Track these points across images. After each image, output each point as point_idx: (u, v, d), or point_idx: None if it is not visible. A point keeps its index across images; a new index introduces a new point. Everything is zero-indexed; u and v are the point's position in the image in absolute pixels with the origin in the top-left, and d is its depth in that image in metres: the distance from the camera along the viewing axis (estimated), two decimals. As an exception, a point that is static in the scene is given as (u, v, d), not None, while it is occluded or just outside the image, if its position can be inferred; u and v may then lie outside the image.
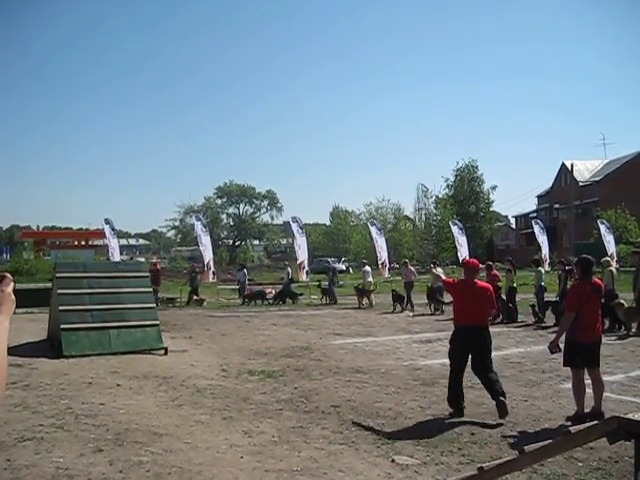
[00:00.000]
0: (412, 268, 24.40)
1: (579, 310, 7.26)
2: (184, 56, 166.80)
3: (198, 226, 29.85)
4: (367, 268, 25.39)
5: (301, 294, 25.79)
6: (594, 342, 7.34)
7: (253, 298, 25.00)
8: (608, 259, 17.20)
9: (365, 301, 23.27)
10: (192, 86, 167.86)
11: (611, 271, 15.78)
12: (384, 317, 19.51)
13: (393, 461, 5.76)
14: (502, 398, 7.34)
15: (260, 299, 25.17)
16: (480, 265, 8.67)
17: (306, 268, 29.49)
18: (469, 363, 7.70)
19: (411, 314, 20.21)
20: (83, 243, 58.74)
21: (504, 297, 17.71)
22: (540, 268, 18.93)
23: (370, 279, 24.70)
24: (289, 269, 26.93)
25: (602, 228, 33.03)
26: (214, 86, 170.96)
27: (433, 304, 20.20)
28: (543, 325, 16.38)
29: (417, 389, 8.94)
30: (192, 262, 35.93)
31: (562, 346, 7.43)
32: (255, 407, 7.84)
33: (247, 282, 28.20)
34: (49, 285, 15.70)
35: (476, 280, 8.09)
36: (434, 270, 19.69)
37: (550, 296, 17.87)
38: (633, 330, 14.51)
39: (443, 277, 12.58)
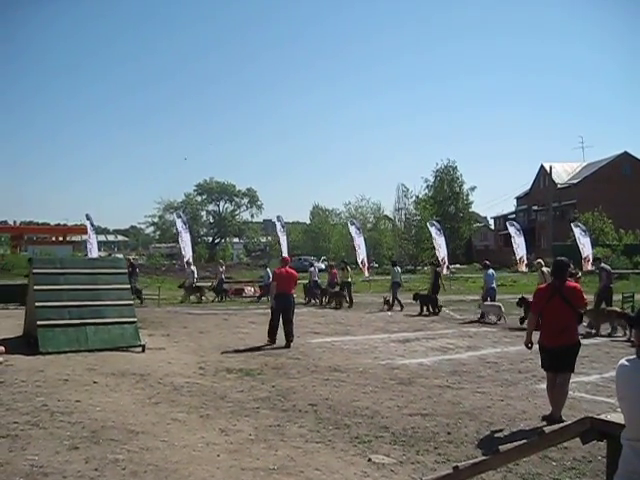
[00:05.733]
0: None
1: (541, 312, 7.31)
2: (166, 55, 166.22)
3: (179, 223, 29.82)
4: (193, 268, 27.16)
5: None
6: (558, 347, 7.12)
7: None
8: (540, 261, 18.15)
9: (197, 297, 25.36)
10: (175, 85, 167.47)
11: (542, 272, 16.38)
12: (363, 317, 19.55)
13: (369, 460, 5.78)
14: (290, 341, 12.80)
15: None
16: (290, 260, 14.49)
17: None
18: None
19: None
20: (61, 239, 58.26)
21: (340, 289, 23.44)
22: (490, 271, 19.35)
23: (195, 278, 26.73)
24: (221, 268, 27.65)
25: (576, 231, 32.22)
26: (197, 85, 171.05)
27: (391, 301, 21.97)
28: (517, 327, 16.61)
29: (394, 388, 8.97)
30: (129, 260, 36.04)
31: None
32: (232, 405, 7.83)
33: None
34: (26, 281, 15.54)
35: (288, 267, 13.45)
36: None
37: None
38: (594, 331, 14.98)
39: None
